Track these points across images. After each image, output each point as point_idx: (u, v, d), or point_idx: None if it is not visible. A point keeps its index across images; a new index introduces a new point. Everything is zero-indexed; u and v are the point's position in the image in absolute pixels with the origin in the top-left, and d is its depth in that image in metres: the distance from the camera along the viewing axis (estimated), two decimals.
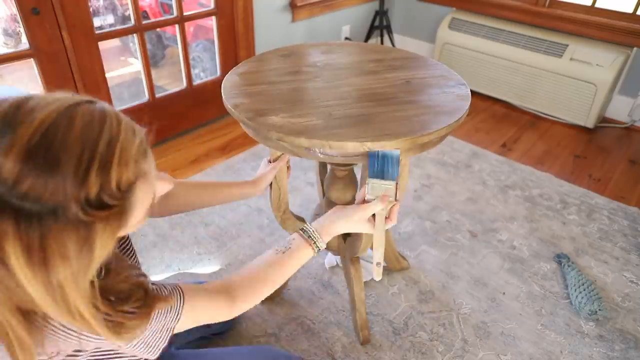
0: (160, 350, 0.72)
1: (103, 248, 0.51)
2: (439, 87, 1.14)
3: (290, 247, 0.86)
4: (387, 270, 1.66)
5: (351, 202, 1.39)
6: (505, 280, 1.65)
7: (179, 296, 0.73)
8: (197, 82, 2.49)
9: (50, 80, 1.87)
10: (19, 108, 0.47)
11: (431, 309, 1.53)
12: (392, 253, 1.60)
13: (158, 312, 0.67)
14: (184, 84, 2.44)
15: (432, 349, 1.40)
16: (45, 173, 0.45)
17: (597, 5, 2.60)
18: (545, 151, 2.47)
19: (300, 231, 0.88)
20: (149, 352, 0.71)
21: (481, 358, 1.38)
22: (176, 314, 0.71)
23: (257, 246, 1.75)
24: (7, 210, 0.44)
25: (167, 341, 0.72)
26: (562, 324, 1.49)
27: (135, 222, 0.58)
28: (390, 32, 3.22)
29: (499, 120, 2.78)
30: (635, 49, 2.57)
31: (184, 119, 2.49)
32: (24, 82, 3.19)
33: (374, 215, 0.88)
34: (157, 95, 2.32)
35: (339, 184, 1.32)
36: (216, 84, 2.58)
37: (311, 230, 0.88)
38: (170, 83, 3.48)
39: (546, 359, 1.38)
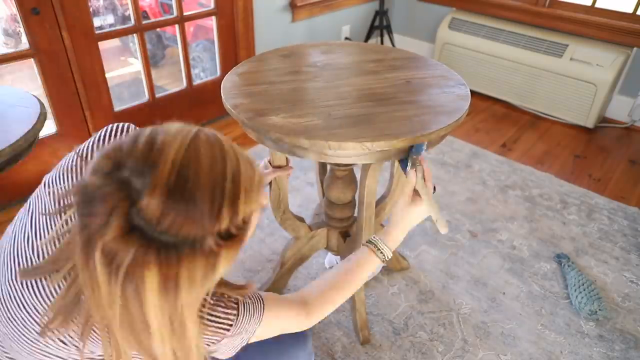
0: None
1: (222, 272, 0.54)
2: (439, 87, 1.14)
3: (360, 258, 0.90)
4: (387, 270, 1.66)
5: (351, 202, 1.40)
6: (505, 280, 1.65)
7: (258, 299, 0.73)
8: (197, 82, 2.49)
9: (50, 80, 1.87)
10: (151, 147, 0.50)
11: (431, 309, 1.53)
12: (392, 253, 1.60)
13: (242, 313, 0.69)
14: (184, 84, 2.44)
15: (432, 349, 1.40)
16: (184, 210, 0.48)
17: (597, 5, 2.60)
18: (545, 151, 2.47)
19: (367, 243, 0.91)
20: (228, 353, 0.71)
21: (481, 358, 1.38)
22: (259, 317, 0.72)
23: (257, 246, 1.75)
24: (151, 244, 0.47)
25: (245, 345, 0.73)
26: (562, 324, 1.49)
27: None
28: (390, 32, 3.22)
29: (499, 120, 2.78)
30: (635, 49, 2.56)
31: (184, 119, 2.46)
32: (24, 82, 3.19)
33: (416, 193, 0.92)
34: (157, 95, 2.32)
35: (338, 184, 1.32)
36: (216, 84, 2.58)
37: (376, 239, 0.91)
38: (170, 83, 3.48)
39: (546, 359, 1.38)
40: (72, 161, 0.66)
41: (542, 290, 1.62)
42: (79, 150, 0.67)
